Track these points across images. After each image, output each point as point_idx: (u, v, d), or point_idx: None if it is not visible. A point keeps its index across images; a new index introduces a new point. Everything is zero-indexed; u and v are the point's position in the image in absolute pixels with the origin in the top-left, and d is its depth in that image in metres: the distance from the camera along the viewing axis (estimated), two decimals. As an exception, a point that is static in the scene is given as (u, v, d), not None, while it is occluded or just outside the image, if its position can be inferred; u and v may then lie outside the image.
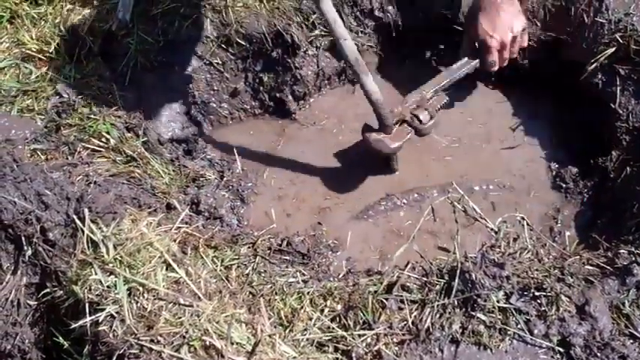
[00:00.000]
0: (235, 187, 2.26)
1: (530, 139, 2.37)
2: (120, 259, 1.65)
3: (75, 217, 1.74)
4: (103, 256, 1.65)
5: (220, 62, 2.36)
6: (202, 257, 1.82)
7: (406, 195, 2.23)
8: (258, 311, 1.67)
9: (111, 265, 1.64)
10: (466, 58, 2.31)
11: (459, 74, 2.29)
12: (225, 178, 2.26)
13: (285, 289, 1.79)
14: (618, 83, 2.18)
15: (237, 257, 1.87)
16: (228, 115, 2.45)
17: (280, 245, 1.99)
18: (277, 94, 2.43)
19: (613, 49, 2.19)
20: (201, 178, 2.24)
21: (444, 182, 2.26)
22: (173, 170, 2.22)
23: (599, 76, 2.22)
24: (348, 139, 2.40)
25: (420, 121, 2.17)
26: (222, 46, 2.31)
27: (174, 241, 1.82)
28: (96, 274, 1.62)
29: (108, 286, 1.61)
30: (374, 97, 2.04)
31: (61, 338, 1.67)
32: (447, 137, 2.39)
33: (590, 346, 1.59)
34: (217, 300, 1.63)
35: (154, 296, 1.60)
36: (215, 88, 2.40)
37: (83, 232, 1.70)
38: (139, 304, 1.58)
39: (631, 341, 1.60)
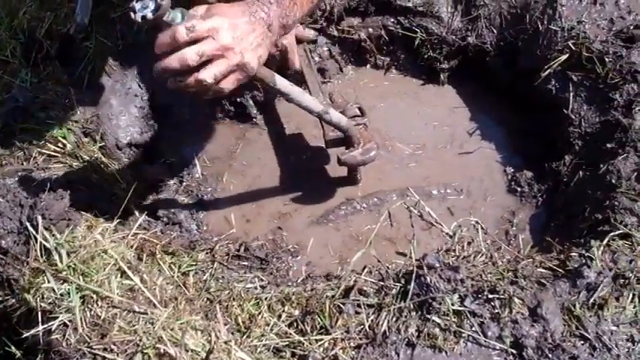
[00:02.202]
0: (195, 192, 2.25)
1: (488, 144, 2.40)
2: (73, 266, 1.63)
3: (28, 224, 1.72)
4: (56, 264, 1.64)
5: (181, 67, 2.34)
6: (159, 264, 1.81)
7: (366, 199, 2.25)
8: (215, 317, 1.67)
9: (64, 272, 1.62)
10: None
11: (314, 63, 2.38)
12: (184, 183, 2.26)
13: (242, 295, 1.79)
14: (571, 89, 2.22)
15: (194, 263, 1.87)
16: (188, 119, 2.44)
17: (238, 251, 1.99)
18: (237, 99, 2.42)
19: (566, 56, 2.23)
20: (160, 183, 2.23)
21: (403, 187, 2.28)
22: (131, 175, 2.20)
23: (553, 83, 2.26)
24: (308, 144, 2.41)
25: (362, 113, 2.22)
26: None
27: (131, 247, 1.81)
28: (49, 282, 1.61)
29: (61, 294, 1.59)
30: (343, 124, 2.05)
31: (13, 347, 1.65)
32: (411, 145, 2.41)
33: (541, 347, 1.61)
34: (173, 307, 1.63)
35: (108, 304, 1.59)
36: (175, 92, 2.38)
37: (36, 239, 1.68)
38: (92, 312, 1.57)
39: (581, 342, 1.63)
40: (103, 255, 1.68)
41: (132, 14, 1.41)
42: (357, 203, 2.24)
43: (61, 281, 1.62)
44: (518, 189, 2.25)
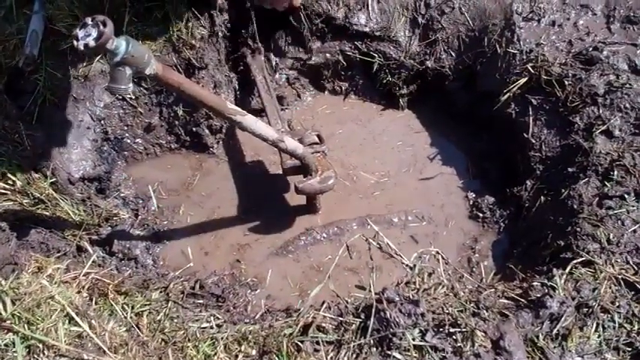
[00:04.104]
0: (151, 226, 2.20)
1: (448, 169, 2.38)
2: (18, 315, 1.56)
3: (-30, 271, 1.65)
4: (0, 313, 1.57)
5: (133, 97, 2.29)
6: (112, 304, 1.74)
7: (326, 229, 2.21)
8: (169, 361, 1.61)
9: (8, 321, 1.55)
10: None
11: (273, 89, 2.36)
12: (139, 217, 2.21)
13: (198, 335, 1.73)
14: (531, 113, 2.21)
15: (148, 303, 1.80)
16: (143, 150, 2.39)
17: (193, 288, 1.93)
18: (193, 128, 2.38)
19: (525, 79, 2.23)
20: (114, 218, 2.17)
21: (364, 215, 2.24)
22: (84, 211, 2.13)
23: (513, 106, 2.26)
24: (267, 172, 2.37)
25: (320, 140, 2.18)
26: (135, 80, 2.24)
27: (83, 287, 1.75)
28: (-8, 332, 1.54)
29: (5, 345, 1.52)
30: (298, 152, 2.01)
31: (-47, 403, 1.58)
32: (376, 173, 2.38)
33: (505, 381, 1.59)
34: (122, 353, 1.57)
35: (55, 353, 1.53)
36: (129, 123, 2.33)
37: (-22, 287, 1.61)
38: (38, 363, 1.51)
39: (545, 375, 1.61)
40: (49, 301, 1.61)
41: (75, 42, 1.43)
42: (317, 233, 2.20)
43: (5, 331, 1.55)
44: (480, 214, 2.23)
